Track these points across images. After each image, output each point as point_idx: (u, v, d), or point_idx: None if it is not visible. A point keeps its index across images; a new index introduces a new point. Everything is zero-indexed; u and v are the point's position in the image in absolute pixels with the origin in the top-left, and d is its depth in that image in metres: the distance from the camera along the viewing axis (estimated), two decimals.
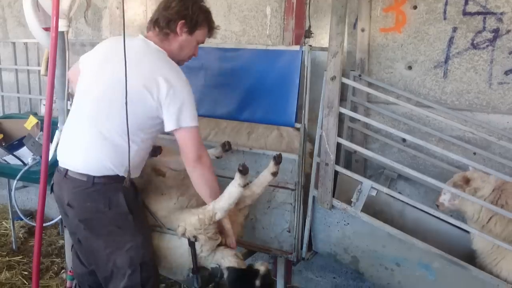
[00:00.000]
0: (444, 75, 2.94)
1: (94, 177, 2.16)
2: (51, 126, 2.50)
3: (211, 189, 2.30)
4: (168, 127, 2.20)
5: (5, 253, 4.07)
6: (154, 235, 2.42)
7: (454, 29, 2.87)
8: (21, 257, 4.03)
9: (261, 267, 2.33)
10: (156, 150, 2.49)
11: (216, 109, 3.02)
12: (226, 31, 3.58)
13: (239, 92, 2.93)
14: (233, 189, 2.25)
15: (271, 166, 2.45)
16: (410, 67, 3.03)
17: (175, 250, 2.39)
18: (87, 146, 2.19)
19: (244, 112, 2.94)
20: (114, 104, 2.15)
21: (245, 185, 2.24)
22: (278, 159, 2.43)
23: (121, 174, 2.20)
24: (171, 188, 2.51)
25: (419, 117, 3.00)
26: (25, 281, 3.67)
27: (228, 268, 2.32)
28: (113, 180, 2.19)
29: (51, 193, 2.39)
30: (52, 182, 2.38)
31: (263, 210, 2.86)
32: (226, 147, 2.77)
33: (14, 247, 4.18)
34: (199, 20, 2.34)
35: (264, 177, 2.49)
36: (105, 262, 2.25)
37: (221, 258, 2.35)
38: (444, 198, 2.51)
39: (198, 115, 2.28)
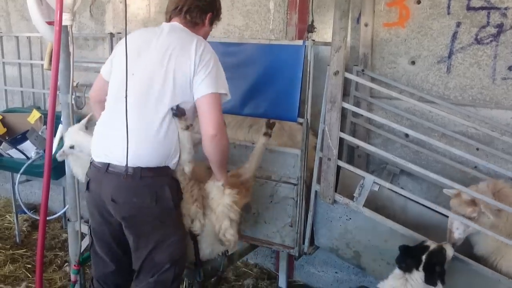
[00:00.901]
0: (448, 70, 2.94)
1: (141, 169, 2.14)
2: (54, 120, 2.51)
3: (222, 157, 2.29)
4: (202, 91, 2.18)
5: (8, 246, 4.10)
6: None
7: (458, 24, 2.86)
8: (24, 250, 4.06)
9: (433, 244, 2.26)
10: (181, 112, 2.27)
11: None
12: (229, 25, 3.58)
13: (241, 87, 2.93)
14: (180, 136, 2.22)
15: (263, 128, 2.57)
16: (413, 62, 3.02)
17: None
18: (131, 139, 2.10)
19: (247, 107, 2.93)
20: (156, 95, 2.16)
21: (188, 127, 2.21)
22: (270, 124, 2.58)
23: (166, 164, 2.21)
24: None
25: (422, 112, 2.99)
26: (29, 274, 3.70)
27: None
28: (158, 173, 2.18)
29: (85, 191, 2.33)
30: (87, 179, 2.31)
31: (266, 204, 2.87)
32: None
33: (17, 240, 4.21)
34: (219, 14, 2.48)
35: (259, 142, 2.59)
36: (142, 258, 2.25)
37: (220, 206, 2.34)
38: (460, 232, 2.38)
39: None
